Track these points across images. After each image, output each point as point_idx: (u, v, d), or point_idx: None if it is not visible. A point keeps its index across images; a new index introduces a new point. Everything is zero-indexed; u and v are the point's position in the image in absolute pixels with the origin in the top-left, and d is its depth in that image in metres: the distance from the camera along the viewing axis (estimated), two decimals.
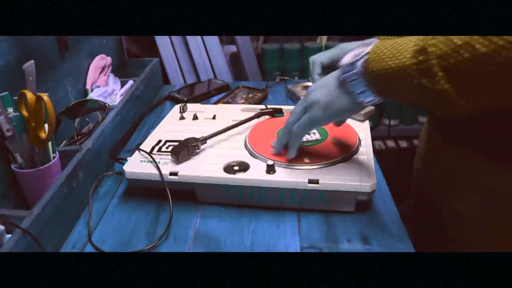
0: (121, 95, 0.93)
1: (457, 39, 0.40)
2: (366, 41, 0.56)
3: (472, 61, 0.39)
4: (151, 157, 0.65)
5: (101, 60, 0.95)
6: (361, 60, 0.49)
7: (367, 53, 0.48)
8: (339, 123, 0.61)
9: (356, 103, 0.51)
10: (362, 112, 0.73)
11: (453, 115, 0.44)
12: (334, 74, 0.54)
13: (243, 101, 0.96)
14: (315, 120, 0.55)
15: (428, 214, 0.70)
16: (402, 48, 0.45)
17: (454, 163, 0.60)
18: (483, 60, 0.38)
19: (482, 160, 0.56)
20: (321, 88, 0.54)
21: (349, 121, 0.71)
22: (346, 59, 0.51)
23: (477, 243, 0.60)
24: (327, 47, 1.39)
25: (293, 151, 0.60)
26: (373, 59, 0.47)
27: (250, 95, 0.99)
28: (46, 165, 0.62)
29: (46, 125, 0.61)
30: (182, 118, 0.79)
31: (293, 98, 0.97)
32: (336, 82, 0.53)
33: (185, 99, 0.97)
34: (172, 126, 0.77)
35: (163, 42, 1.21)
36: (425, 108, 0.47)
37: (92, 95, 0.87)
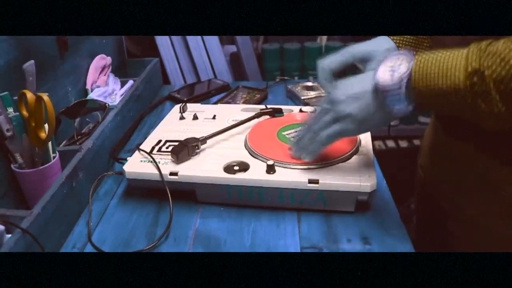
0: (121, 95, 0.93)
1: None
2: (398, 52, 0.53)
3: None
4: (151, 157, 0.65)
5: (101, 60, 0.95)
6: (405, 79, 0.47)
7: (409, 71, 0.47)
8: None
9: (389, 118, 0.51)
10: None
11: (497, 129, 0.45)
12: (366, 86, 0.52)
13: (243, 101, 0.96)
14: (347, 132, 0.54)
15: (432, 211, 0.70)
16: (451, 67, 0.44)
17: (460, 160, 0.60)
18: None
19: (487, 157, 0.56)
20: (354, 101, 0.52)
21: None
22: (382, 74, 0.49)
23: (480, 241, 0.60)
24: (327, 47, 1.39)
25: (313, 156, 0.58)
26: (419, 78, 0.46)
27: (250, 95, 0.99)
28: (46, 165, 0.62)
29: (46, 125, 0.61)
30: (182, 118, 0.79)
31: (293, 98, 0.97)
32: (372, 96, 0.51)
33: (185, 99, 0.97)
34: (172, 126, 0.77)
35: (163, 42, 1.21)
36: (468, 120, 0.47)
37: (92, 95, 0.87)
